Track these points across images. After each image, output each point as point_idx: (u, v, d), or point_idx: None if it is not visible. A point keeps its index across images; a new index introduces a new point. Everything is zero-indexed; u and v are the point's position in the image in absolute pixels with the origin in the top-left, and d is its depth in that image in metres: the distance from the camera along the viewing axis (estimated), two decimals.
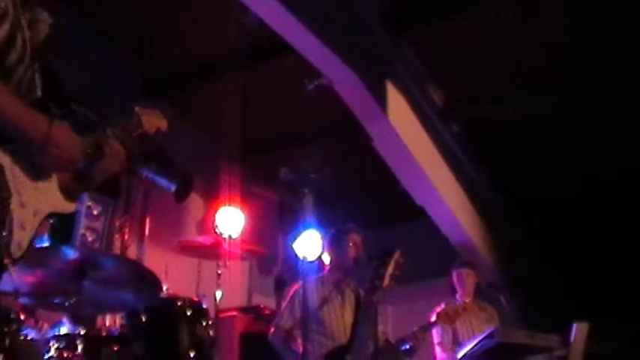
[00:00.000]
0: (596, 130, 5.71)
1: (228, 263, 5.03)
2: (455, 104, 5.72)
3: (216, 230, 5.78)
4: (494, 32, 4.97)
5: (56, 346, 3.11)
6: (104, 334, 3.22)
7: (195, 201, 6.30)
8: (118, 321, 3.77)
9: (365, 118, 5.02)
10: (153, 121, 2.66)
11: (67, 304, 2.91)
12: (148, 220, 5.31)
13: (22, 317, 3.05)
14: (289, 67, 5.26)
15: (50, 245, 3.33)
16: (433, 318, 4.51)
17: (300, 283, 4.56)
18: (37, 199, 1.89)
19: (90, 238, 5.00)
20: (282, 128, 6.14)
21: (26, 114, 1.84)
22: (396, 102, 5.13)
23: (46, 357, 3.03)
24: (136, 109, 2.57)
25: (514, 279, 6.13)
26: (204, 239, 5.39)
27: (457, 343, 5.14)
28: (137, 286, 3.03)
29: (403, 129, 5.18)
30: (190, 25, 5.28)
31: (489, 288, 5.46)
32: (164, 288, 3.91)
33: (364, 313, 3.95)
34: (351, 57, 4.65)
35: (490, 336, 4.48)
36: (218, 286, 4.81)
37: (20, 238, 1.80)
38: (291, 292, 4.62)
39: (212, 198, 6.27)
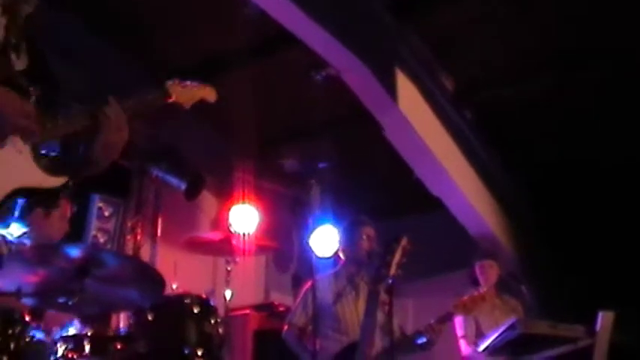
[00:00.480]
0: (619, 110, 5.58)
1: (238, 260, 5.00)
2: (467, 90, 5.63)
3: (230, 228, 5.76)
4: (502, 15, 4.88)
5: (64, 347, 3.09)
6: (111, 333, 3.19)
7: (208, 199, 6.28)
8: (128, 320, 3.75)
9: (375, 108, 4.96)
10: (191, 93, 2.62)
11: (70, 303, 2.87)
12: (160, 220, 5.30)
13: (27, 318, 3.04)
14: (297, 60, 5.21)
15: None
16: (451, 309, 4.42)
17: (313, 279, 4.53)
18: None
19: (102, 240, 5.00)
20: (293, 122, 6.08)
21: None
22: (407, 90, 5.06)
23: (53, 358, 3.00)
24: (168, 82, 2.58)
25: (535, 268, 6.01)
26: (215, 235, 5.36)
27: (481, 336, 5.07)
28: (141, 283, 2.99)
29: (415, 117, 5.10)
30: (195, 22, 5.25)
31: (510, 278, 5.39)
32: (174, 286, 3.90)
33: (370, 304, 3.88)
34: (358, 46, 4.58)
35: (512, 327, 4.40)
36: (227, 283, 4.77)
37: None
38: (304, 289, 4.58)
39: (225, 196, 6.24)
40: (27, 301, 3.00)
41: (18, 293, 2.77)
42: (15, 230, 4.01)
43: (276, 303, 5.73)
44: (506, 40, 5.13)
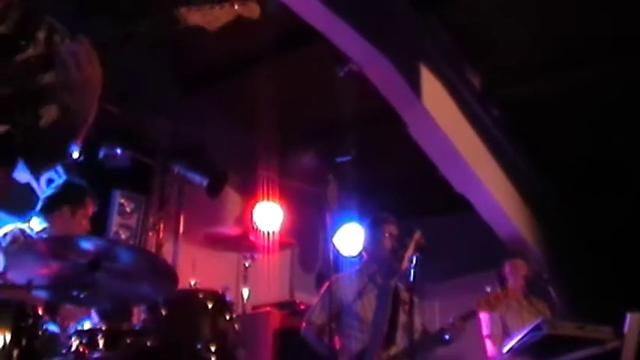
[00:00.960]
0: None
1: (256, 256, 4.95)
2: (494, 85, 5.51)
3: (254, 226, 5.74)
4: (531, 3, 4.75)
5: (78, 341, 3.06)
6: (125, 328, 3.15)
7: (232, 196, 6.27)
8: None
9: (399, 104, 4.88)
10: (217, 13, 2.27)
11: (82, 296, 2.84)
12: (182, 217, 5.28)
13: (39, 312, 3.02)
14: (320, 56, 5.16)
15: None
16: (475, 307, 4.32)
17: (334, 278, 4.48)
18: None
19: (123, 236, 5.00)
20: (317, 119, 6.03)
21: None
22: (431, 86, 4.97)
23: (65, 351, 2.98)
24: (181, 8, 2.26)
25: (563, 269, 5.87)
26: (233, 230, 5.33)
27: (508, 336, 4.97)
28: (155, 278, 2.94)
29: (439, 114, 5.01)
30: None
31: (537, 279, 5.27)
32: (192, 282, 3.86)
33: (380, 299, 3.81)
34: (381, 40, 4.52)
35: (537, 328, 4.28)
36: (245, 280, 4.73)
37: None
38: (324, 287, 4.53)
39: (249, 193, 6.22)
40: (40, 294, 2.98)
41: (29, 286, 2.74)
42: (35, 225, 4.04)
43: (297, 301, 5.67)
44: (536, 31, 5.00)
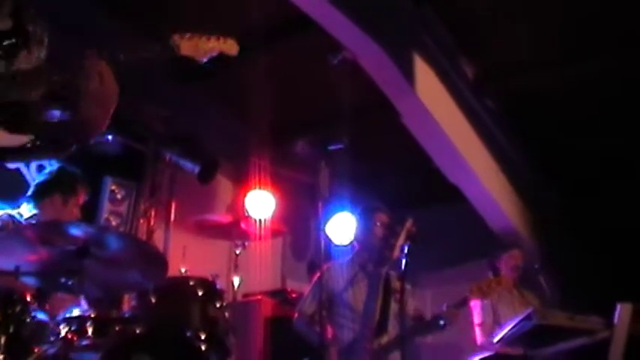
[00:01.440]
0: None
1: (247, 244, 4.93)
2: (488, 77, 5.47)
3: (246, 213, 5.71)
4: None
5: (67, 328, 3.03)
6: (114, 315, 3.13)
7: (224, 184, 6.24)
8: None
9: (392, 93, 4.84)
10: (206, 45, 2.57)
11: (70, 283, 2.81)
12: (174, 205, 5.24)
13: (28, 299, 3.00)
14: (314, 44, 5.12)
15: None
16: (466, 294, 4.31)
17: (325, 267, 4.45)
18: None
19: (114, 223, 4.96)
20: (310, 107, 5.99)
21: None
22: (425, 76, 4.93)
23: (53, 339, 2.95)
24: (174, 35, 2.57)
25: (554, 260, 5.86)
26: (224, 217, 5.31)
27: (499, 325, 4.98)
28: (144, 265, 2.92)
29: (433, 104, 4.98)
30: (213, 5, 5.17)
31: (529, 269, 5.28)
32: (183, 270, 3.84)
33: (372, 287, 3.79)
34: (375, 29, 4.47)
35: (528, 318, 4.30)
36: (235, 267, 4.70)
37: None
38: (315, 277, 4.50)
39: (241, 181, 6.19)
40: (28, 281, 2.96)
41: (16, 272, 2.71)
42: (25, 211, 4.00)
43: (288, 289, 5.66)
44: (531, 23, 4.96)
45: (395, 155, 6.26)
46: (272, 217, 5.94)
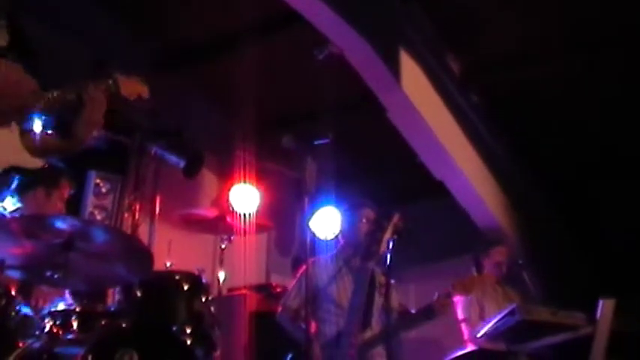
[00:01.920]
0: (631, 96, 5.44)
1: (233, 238, 4.92)
2: (473, 72, 5.50)
3: (231, 208, 5.71)
4: None
5: (51, 322, 3.02)
6: (99, 309, 3.12)
7: (209, 178, 6.23)
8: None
9: (378, 88, 4.86)
10: (132, 87, 2.71)
11: (55, 277, 2.80)
12: (158, 198, 5.22)
13: (12, 292, 2.98)
14: (303, 39, 5.12)
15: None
16: (450, 289, 4.32)
17: (309, 262, 4.46)
18: None
19: (99, 217, 4.93)
20: (296, 102, 6.00)
21: None
22: (411, 71, 4.95)
23: (37, 333, 2.94)
24: (116, 74, 2.65)
25: (538, 255, 5.92)
26: (209, 212, 5.30)
27: (484, 321, 5.01)
28: (130, 259, 2.91)
29: (418, 99, 5.00)
30: (201, 1, 5.18)
31: (512, 265, 5.30)
32: (168, 264, 3.83)
33: (358, 281, 3.81)
34: (362, 24, 4.49)
35: (511, 313, 4.31)
36: (221, 262, 4.70)
37: None
38: (299, 272, 4.51)
39: (226, 175, 6.18)
40: (13, 275, 2.94)
41: (1, 266, 2.70)
42: (9, 205, 3.97)
43: (273, 284, 5.66)
44: (518, 19, 5.00)
45: (380, 151, 6.29)
46: (257, 211, 5.93)
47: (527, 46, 5.29)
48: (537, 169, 6.23)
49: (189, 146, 5.07)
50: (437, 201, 6.21)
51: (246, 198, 5.93)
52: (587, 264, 5.82)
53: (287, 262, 6.71)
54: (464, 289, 4.30)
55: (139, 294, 3.07)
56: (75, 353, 2.64)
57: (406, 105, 4.93)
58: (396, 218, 3.70)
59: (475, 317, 5.18)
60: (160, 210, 5.22)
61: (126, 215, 5.07)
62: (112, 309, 3.16)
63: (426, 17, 5.07)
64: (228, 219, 5.14)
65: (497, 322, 4.42)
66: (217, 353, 3.22)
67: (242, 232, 5.31)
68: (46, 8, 4.55)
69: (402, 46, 4.88)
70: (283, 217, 6.55)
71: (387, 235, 3.65)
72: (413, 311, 4.33)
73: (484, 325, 4.63)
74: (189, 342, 3.03)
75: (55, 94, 2.54)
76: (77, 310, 3.07)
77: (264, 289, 5.51)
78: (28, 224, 2.88)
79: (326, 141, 3.62)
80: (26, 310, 3.12)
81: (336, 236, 5.13)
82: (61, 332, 2.87)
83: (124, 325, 2.84)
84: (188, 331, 3.06)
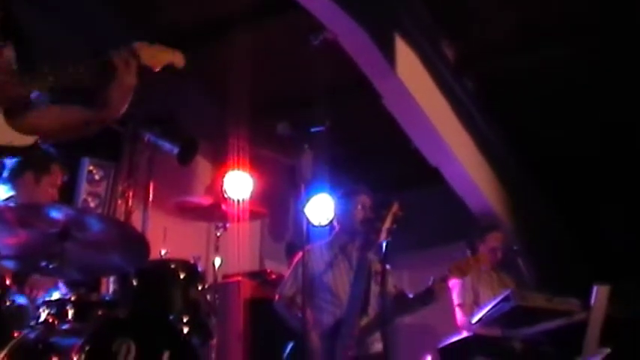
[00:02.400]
0: (620, 82, 5.43)
1: (229, 225, 4.89)
2: (468, 58, 5.48)
3: (225, 194, 5.68)
4: None
5: (46, 312, 3.00)
6: (94, 299, 3.10)
7: (202, 165, 6.19)
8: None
9: (373, 75, 4.82)
10: (159, 56, 2.64)
11: (51, 267, 2.77)
12: (152, 185, 5.18)
13: (7, 282, 2.96)
14: (297, 24, 5.08)
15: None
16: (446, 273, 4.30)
17: (305, 249, 4.44)
18: None
19: (92, 204, 4.90)
20: (290, 88, 5.96)
21: None
22: (406, 57, 4.92)
23: (33, 323, 2.92)
24: (136, 43, 2.67)
25: (532, 241, 5.93)
26: (204, 199, 5.27)
27: (478, 306, 5.02)
28: (126, 248, 2.89)
29: (414, 86, 4.97)
30: None
31: (507, 251, 5.30)
32: (163, 252, 3.80)
33: (358, 271, 3.79)
34: (357, 9, 4.46)
35: (506, 299, 4.33)
36: (217, 249, 4.67)
37: None
38: (295, 259, 4.49)
39: (220, 162, 6.15)
40: (7, 264, 2.91)
41: None
42: (1, 193, 3.92)
43: (268, 270, 5.64)
44: (513, 5, 4.97)
45: (374, 137, 6.26)
46: (251, 198, 5.91)
47: (523, 32, 5.27)
48: (531, 155, 6.22)
49: (184, 133, 5.03)
50: (431, 188, 6.21)
51: (240, 185, 5.90)
52: (581, 250, 5.82)
53: (281, 249, 6.70)
54: (460, 271, 4.27)
55: (134, 283, 3.05)
56: (72, 344, 2.62)
57: (401, 91, 4.90)
58: (395, 207, 3.68)
59: (470, 302, 5.18)
60: (154, 197, 5.19)
61: (119, 202, 5.04)
62: (108, 298, 3.13)
63: (421, 3, 5.03)
64: (224, 206, 5.10)
65: (492, 307, 4.43)
66: (214, 342, 3.20)
67: (236, 218, 5.28)
68: None
69: (397, 32, 4.85)
70: (277, 204, 6.53)
71: (387, 224, 3.63)
72: (410, 295, 4.30)
73: (479, 311, 4.64)
74: (186, 331, 3.01)
75: (70, 68, 2.50)
76: (72, 299, 3.04)
77: (259, 276, 5.49)
78: (23, 213, 2.84)
79: (322, 128, 3.59)
80: (21, 299, 3.10)
81: (330, 223, 5.11)
82: (57, 322, 2.84)
83: (120, 315, 2.81)
84: (185, 320, 3.05)
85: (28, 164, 3.86)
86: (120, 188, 5.05)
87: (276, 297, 4.41)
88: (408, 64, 4.97)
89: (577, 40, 5.27)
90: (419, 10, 5.06)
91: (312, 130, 3.56)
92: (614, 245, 5.70)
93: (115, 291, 3.20)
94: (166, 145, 4.91)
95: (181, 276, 3.17)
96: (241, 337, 4.97)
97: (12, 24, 2.34)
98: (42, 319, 2.97)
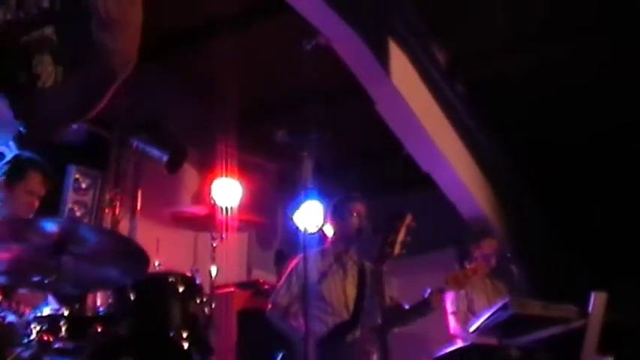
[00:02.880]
0: (617, 86, 5.43)
1: (225, 235, 4.79)
2: (459, 63, 5.44)
3: (212, 202, 5.57)
4: None
5: (38, 328, 2.86)
6: (89, 314, 2.97)
7: (189, 172, 6.07)
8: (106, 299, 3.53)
9: (367, 80, 4.75)
10: None
11: (46, 282, 2.65)
12: (140, 193, 5.06)
13: None
14: (287, 28, 4.99)
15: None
16: (443, 285, 4.24)
17: (299, 257, 4.35)
18: None
19: (78, 213, 4.76)
20: (281, 94, 5.87)
21: None
22: (399, 62, 4.86)
23: (26, 341, 2.78)
24: None
25: (525, 248, 5.89)
26: (199, 209, 5.16)
27: (472, 314, 4.96)
28: (123, 260, 2.77)
29: (407, 91, 4.91)
30: None
31: (500, 257, 5.26)
32: (156, 263, 3.68)
33: (372, 285, 3.71)
34: (351, 13, 4.38)
35: (504, 307, 4.26)
36: (213, 260, 4.56)
37: None
38: (289, 267, 4.40)
39: (207, 169, 6.03)
40: None
41: None
42: None
43: (261, 281, 5.54)
44: (503, 10, 4.94)
45: (363, 142, 6.19)
46: (239, 205, 5.80)
47: (514, 35, 5.24)
48: (523, 160, 6.19)
49: (172, 139, 4.91)
50: (420, 193, 6.14)
51: (228, 192, 5.78)
52: (575, 256, 5.79)
53: (269, 257, 6.58)
54: (457, 283, 4.23)
55: (132, 297, 2.92)
56: None
57: (395, 97, 4.84)
58: (408, 219, 3.63)
59: (464, 310, 5.13)
60: (141, 205, 5.07)
61: (106, 211, 4.91)
62: (103, 313, 3.01)
63: (413, 7, 4.97)
64: (219, 216, 5.00)
65: (489, 316, 4.37)
66: (214, 358, 3.09)
67: (225, 227, 5.17)
68: None
69: (391, 37, 4.78)
70: (264, 211, 6.42)
71: (401, 236, 3.56)
72: (406, 307, 4.24)
73: (475, 320, 4.58)
74: (186, 347, 2.90)
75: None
76: (65, 314, 2.91)
77: (251, 287, 5.39)
78: (13, 227, 2.73)
79: (324, 135, 3.50)
80: (10, 317, 2.97)
81: (319, 230, 5.04)
82: (52, 339, 2.72)
83: (121, 332, 2.70)
84: (184, 335, 2.93)
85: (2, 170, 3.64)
86: (107, 197, 4.93)
87: (269, 306, 4.32)
88: (402, 69, 4.91)
89: (571, 42, 5.27)
90: (411, 15, 5.01)
91: (314, 137, 3.47)
92: (609, 249, 5.69)
93: (110, 305, 3.06)
94: (155, 152, 4.79)
95: (180, 289, 3.05)
96: (234, 348, 4.86)
97: None
98: (34, 336, 2.84)
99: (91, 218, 4.82)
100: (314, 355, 3.93)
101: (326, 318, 4.22)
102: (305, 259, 4.25)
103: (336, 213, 4.55)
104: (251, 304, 5.16)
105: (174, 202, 5.85)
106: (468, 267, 4.98)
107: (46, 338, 2.72)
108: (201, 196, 5.93)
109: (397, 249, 3.61)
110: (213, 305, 3.30)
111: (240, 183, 5.90)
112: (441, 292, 4.15)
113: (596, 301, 4.20)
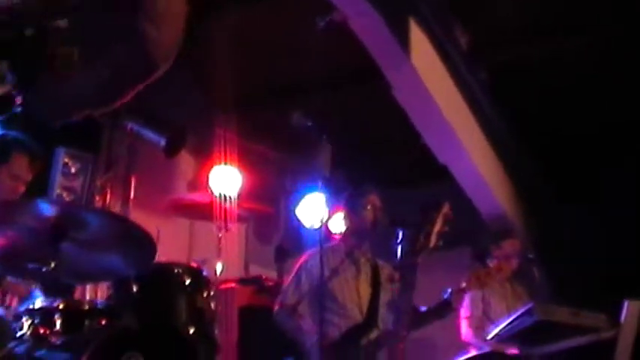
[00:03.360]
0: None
1: (230, 225, 4.73)
2: (483, 48, 5.35)
3: (210, 191, 5.51)
4: None
5: (30, 321, 2.79)
6: (87, 307, 2.89)
7: (185, 159, 6.01)
8: (100, 292, 3.48)
9: (385, 62, 4.65)
10: None
11: (43, 270, 2.57)
12: (133, 180, 4.98)
13: None
14: (294, 4, 4.92)
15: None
16: (463, 284, 4.18)
17: (307, 254, 4.31)
18: None
19: (67, 199, 4.67)
20: (284, 76, 5.81)
21: None
22: (421, 44, 4.77)
23: (19, 335, 2.71)
24: None
25: (548, 248, 5.85)
26: (199, 197, 5.10)
27: (487, 320, 4.92)
28: (127, 248, 2.71)
29: (428, 76, 4.82)
30: None
31: (521, 259, 5.21)
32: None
33: (405, 280, 3.65)
34: None
35: (527, 313, 4.21)
36: (218, 253, 4.50)
37: None
38: (297, 265, 4.35)
39: (204, 155, 5.97)
40: None
41: None
42: None
43: (264, 277, 5.49)
44: None
45: (375, 131, 6.13)
46: (237, 195, 5.73)
47: (540, 20, 5.19)
48: (546, 153, 6.12)
49: (170, 122, 4.83)
50: (434, 188, 6.08)
51: (226, 180, 5.71)
52: (605, 261, 5.74)
53: (268, 252, 6.51)
54: (479, 283, 4.18)
55: (135, 289, 2.85)
56: (67, 359, 2.43)
57: (415, 81, 4.75)
58: (445, 208, 3.58)
59: (478, 314, 5.08)
60: (134, 192, 5.00)
61: (97, 198, 4.84)
62: (101, 306, 2.93)
63: None
64: (227, 205, 4.95)
65: (510, 322, 4.31)
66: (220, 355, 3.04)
67: (225, 218, 5.11)
68: None
69: (413, 17, 4.69)
70: (265, 202, 6.34)
71: (437, 227, 3.51)
72: (423, 309, 4.19)
73: (493, 326, 4.54)
74: (193, 344, 2.84)
75: None
76: (60, 307, 2.83)
77: (253, 283, 5.34)
78: (4, 209, 2.65)
79: (345, 118, 3.43)
80: None
81: (324, 225, 4.97)
82: (47, 332, 2.64)
83: (129, 327, 2.63)
84: (191, 331, 2.87)
85: None
86: (98, 182, 4.86)
87: (277, 306, 4.28)
88: (423, 51, 4.82)
89: (596, 29, 5.21)
90: None
91: (334, 119, 3.40)
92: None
93: (109, 298, 3.00)
94: (151, 135, 4.70)
95: (186, 282, 2.99)
96: (235, 346, 4.82)
97: None
98: (25, 329, 2.76)
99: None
100: None
101: (339, 321, 4.18)
102: (311, 256, 4.21)
103: (350, 206, 4.49)
104: (253, 301, 5.12)
105: (169, 190, 5.80)
106: (491, 265, 4.94)
107: (41, 332, 2.65)
108: (198, 184, 5.88)
109: (433, 240, 3.56)
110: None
111: (240, 171, 5.84)
112: (462, 291, 4.10)
113: (630, 310, 4.14)
